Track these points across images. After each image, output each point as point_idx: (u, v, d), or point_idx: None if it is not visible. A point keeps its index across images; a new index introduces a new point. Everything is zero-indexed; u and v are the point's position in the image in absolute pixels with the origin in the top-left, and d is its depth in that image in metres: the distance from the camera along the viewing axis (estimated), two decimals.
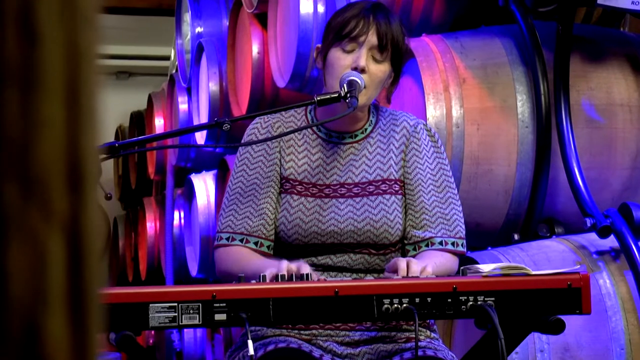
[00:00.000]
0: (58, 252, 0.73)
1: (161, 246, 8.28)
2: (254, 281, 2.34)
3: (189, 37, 6.85)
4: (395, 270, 2.46)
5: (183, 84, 7.03)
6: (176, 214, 7.50)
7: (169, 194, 7.62)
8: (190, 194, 6.89)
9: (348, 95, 2.62)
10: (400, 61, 2.76)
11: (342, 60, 2.70)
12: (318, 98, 2.65)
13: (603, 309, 3.18)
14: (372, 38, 2.70)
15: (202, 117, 6.44)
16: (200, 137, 6.43)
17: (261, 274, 2.37)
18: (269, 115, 2.82)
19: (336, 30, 2.72)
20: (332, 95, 2.65)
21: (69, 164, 0.73)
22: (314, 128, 2.80)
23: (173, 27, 7.27)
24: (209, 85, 6.11)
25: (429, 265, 2.47)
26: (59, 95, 0.72)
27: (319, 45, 2.80)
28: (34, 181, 0.72)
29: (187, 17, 6.93)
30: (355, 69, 2.68)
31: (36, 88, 0.72)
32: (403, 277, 2.39)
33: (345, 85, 2.64)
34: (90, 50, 0.74)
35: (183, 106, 7.10)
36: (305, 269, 2.46)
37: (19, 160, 0.72)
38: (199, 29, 6.60)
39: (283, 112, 2.81)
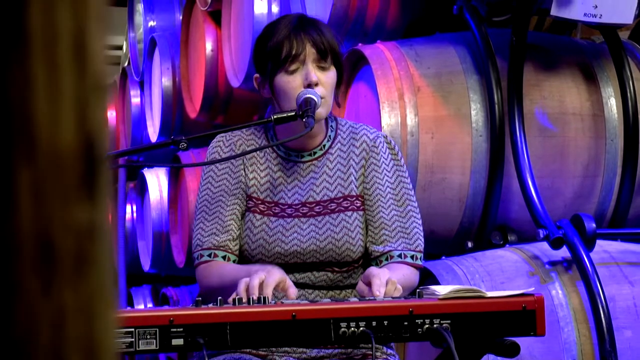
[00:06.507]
0: None
1: (113, 240, 8.22)
2: (211, 304, 2.34)
3: (141, 29, 6.80)
4: (368, 283, 2.47)
5: (135, 77, 6.98)
6: (128, 207, 7.47)
7: (121, 187, 7.57)
8: (142, 188, 6.86)
9: (305, 114, 2.62)
10: (340, 62, 2.77)
11: (292, 83, 2.69)
12: (275, 117, 2.65)
13: (555, 319, 3.21)
14: (311, 51, 2.70)
15: (155, 111, 6.41)
16: (152, 133, 6.40)
17: (219, 298, 2.37)
18: (230, 133, 2.81)
19: (273, 58, 2.71)
20: (289, 114, 2.65)
21: None
22: (274, 146, 2.79)
23: (125, 17, 7.21)
24: (162, 80, 6.08)
25: (396, 282, 2.48)
26: None
27: (257, 75, 2.79)
28: None
29: (139, 7, 6.88)
30: (309, 85, 2.68)
31: None
32: (361, 300, 2.40)
33: (301, 103, 2.64)
34: None
35: (135, 100, 7.06)
36: (272, 278, 2.45)
37: None
38: (151, 23, 6.56)
39: (244, 130, 2.81)
